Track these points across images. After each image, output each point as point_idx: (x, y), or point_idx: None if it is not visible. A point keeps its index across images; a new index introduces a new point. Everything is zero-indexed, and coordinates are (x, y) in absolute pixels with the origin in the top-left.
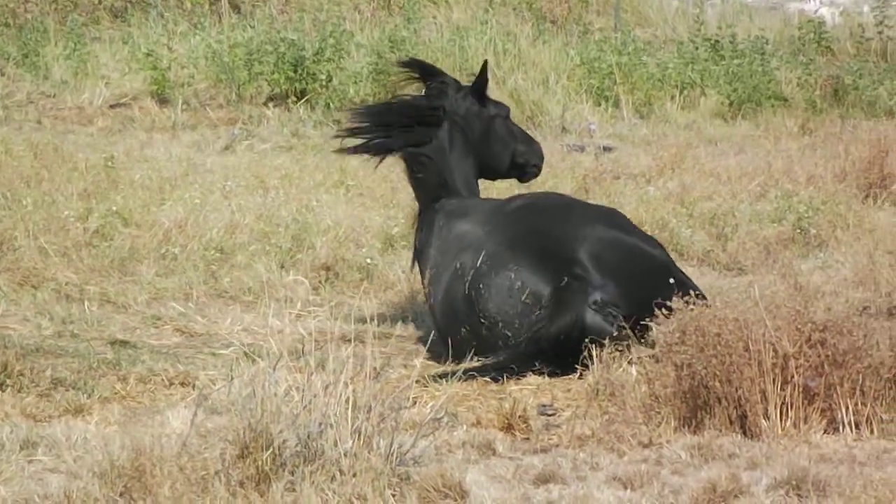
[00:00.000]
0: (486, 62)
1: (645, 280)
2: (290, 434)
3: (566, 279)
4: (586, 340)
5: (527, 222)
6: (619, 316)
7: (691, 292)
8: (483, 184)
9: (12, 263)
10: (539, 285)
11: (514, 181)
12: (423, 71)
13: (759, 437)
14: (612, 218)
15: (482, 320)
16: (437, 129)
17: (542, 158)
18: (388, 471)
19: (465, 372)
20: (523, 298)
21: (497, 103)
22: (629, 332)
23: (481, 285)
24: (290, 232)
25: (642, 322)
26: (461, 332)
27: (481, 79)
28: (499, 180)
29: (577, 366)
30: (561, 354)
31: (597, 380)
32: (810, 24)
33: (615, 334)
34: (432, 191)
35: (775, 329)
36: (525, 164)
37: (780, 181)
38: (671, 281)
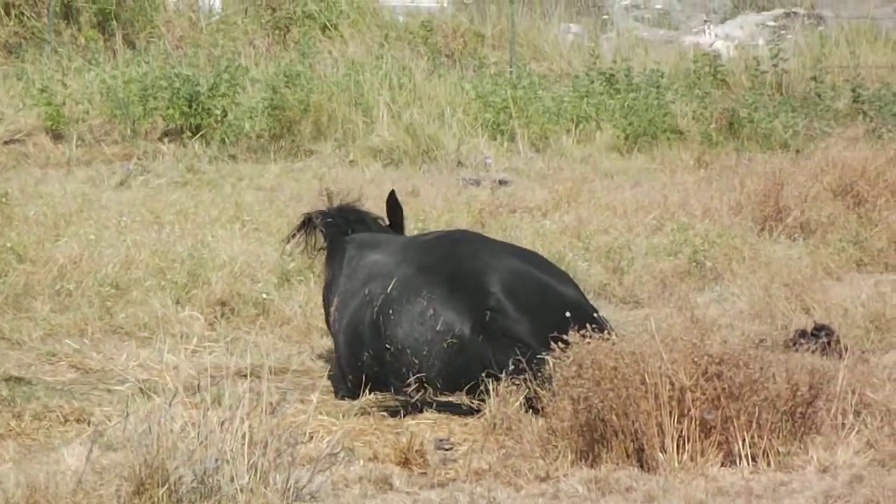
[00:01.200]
0: (392, 192)
1: (557, 318)
2: (187, 470)
3: (488, 313)
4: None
5: (440, 252)
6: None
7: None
8: None
9: None
10: (453, 315)
11: None
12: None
13: (657, 471)
14: (524, 254)
15: (388, 346)
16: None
17: None
18: None
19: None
20: (437, 327)
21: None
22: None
23: (391, 311)
24: (185, 267)
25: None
26: (363, 358)
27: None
28: None
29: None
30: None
31: (493, 414)
32: (705, 58)
33: (511, 368)
34: (342, 228)
35: (672, 362)
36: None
37: (676, 214)
38: (567, 315)
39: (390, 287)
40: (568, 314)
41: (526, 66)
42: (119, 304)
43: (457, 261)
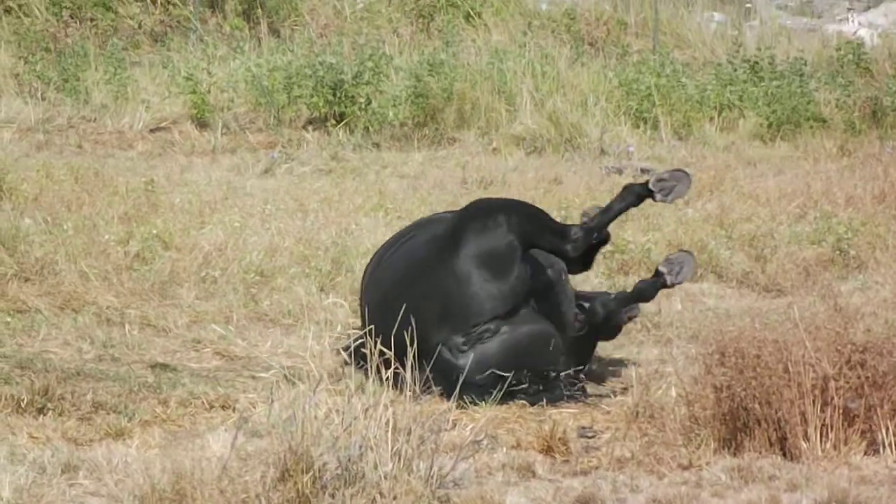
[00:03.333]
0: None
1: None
2: (331, 457)
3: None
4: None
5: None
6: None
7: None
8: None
9: (53, 287)
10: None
11: None
12: None
13: (799, 459)
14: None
15: None
16: None
17: None
18: (429, 493)
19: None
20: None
21: None
22: None
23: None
24: (329, 255)
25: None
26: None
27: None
28: None
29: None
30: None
31: (636, 402)
32: (849, 46)
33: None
34: None
35: (815, 350)
36: None
37: (819, 202)
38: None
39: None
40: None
41: (669, 55)
42: (263, 291)
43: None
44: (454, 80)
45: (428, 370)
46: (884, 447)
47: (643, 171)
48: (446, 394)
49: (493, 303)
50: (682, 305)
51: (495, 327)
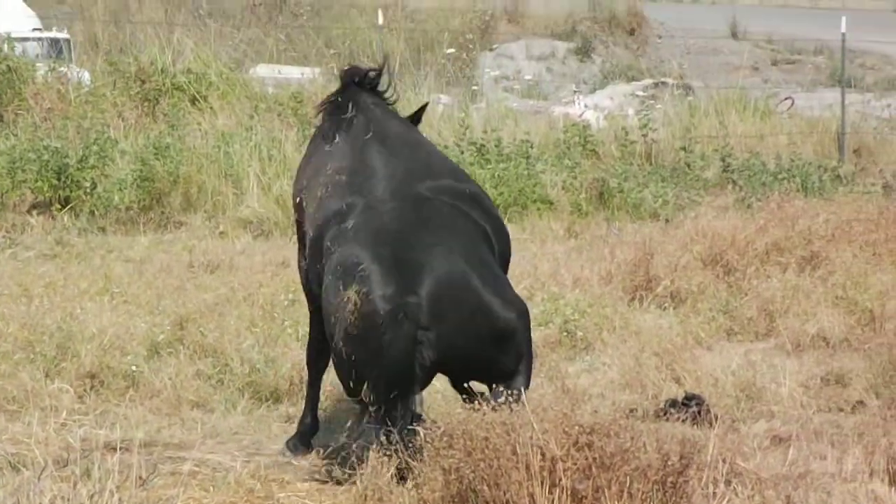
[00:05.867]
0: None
1: (478, 341)
2: None
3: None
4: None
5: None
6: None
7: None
8: None
9: None
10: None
11: None
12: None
13: None
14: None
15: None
16: None
17: None
18: None
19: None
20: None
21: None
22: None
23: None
24: (54, 340)
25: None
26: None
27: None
28: None
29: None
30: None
31: (365, 485)
32: (575, 128)
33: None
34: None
35: (543, 432)
36: None
37: (546, 284)
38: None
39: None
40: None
41: None
42: None
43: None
44: (180, 164)
45: None
46: None
47: None
48: None
49: None
50: None
51: None
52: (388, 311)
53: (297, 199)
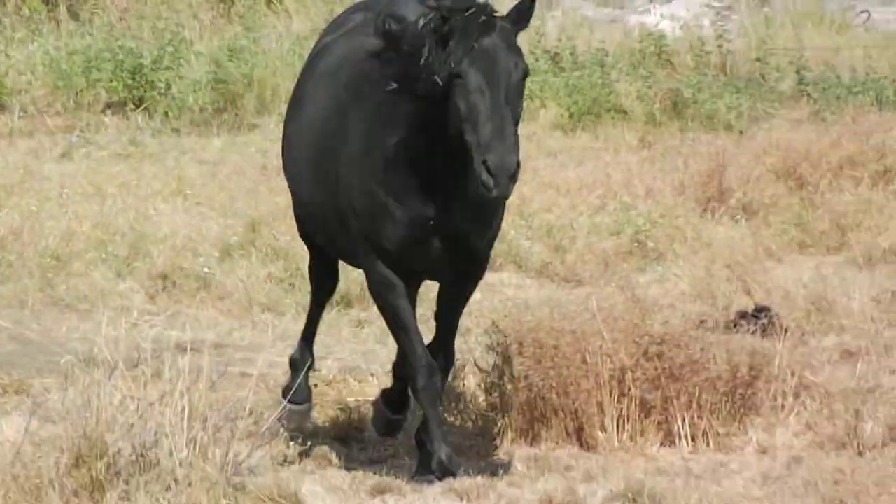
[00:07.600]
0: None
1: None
2: (125, 443)
3: None
4: None
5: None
6: None
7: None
8: None
9: None
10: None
11: None
12: None
13: (596, 450)
14: None
15: None
16: None
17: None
18: (224, 480)
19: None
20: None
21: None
22: None
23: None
24: (127, 240)
25: None
26: None
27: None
28: None
29: None
30: None
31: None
32: (650, 38)
33: None
34: None
35: (613, 341)
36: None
37: (619, 194)
38: None
39: None
40: None
41: None
42: (60, 276)
43: None
44: (255, 66)
45: None
46: (679, 439)
47: None
48: None
49: None
50: (481, 295)
51: None
52: None
53: None
